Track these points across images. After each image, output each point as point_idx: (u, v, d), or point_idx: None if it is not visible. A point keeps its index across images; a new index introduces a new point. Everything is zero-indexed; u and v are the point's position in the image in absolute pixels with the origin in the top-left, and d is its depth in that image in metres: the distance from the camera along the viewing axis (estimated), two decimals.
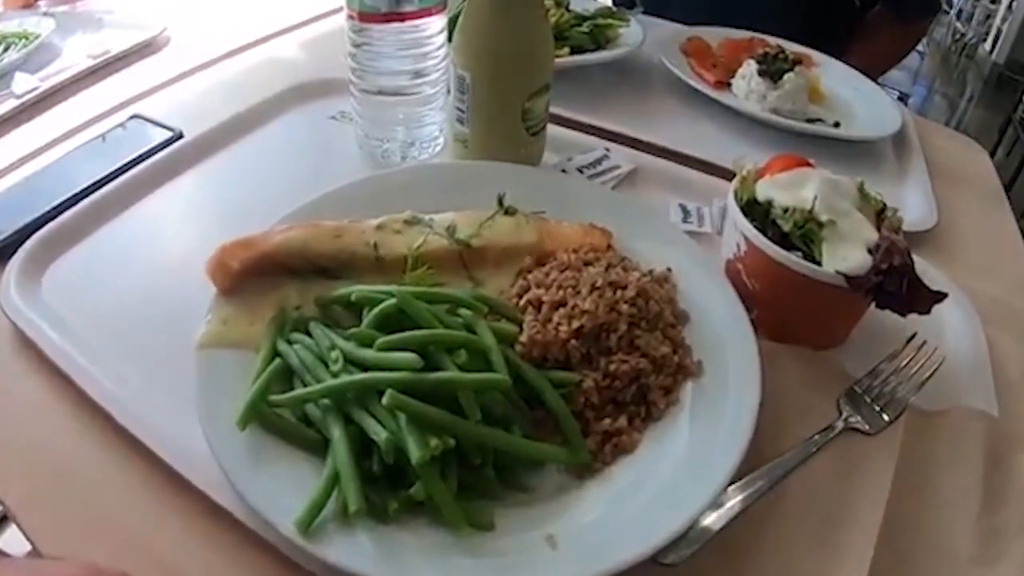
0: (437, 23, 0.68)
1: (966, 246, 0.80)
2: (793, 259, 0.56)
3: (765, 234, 0.58)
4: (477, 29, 0.65)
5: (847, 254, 0.56)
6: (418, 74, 0.69)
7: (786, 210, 0.59)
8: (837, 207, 0.59)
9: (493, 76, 0.66)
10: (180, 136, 0.78)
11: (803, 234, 0.58)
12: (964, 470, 0.53)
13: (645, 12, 1.23)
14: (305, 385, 0.49)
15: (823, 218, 0.57)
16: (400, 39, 0.66)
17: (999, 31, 3.90)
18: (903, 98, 2.91)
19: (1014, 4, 3.75)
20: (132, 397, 0.52)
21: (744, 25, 1.09)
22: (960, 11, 4.29)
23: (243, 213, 0.61)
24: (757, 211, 0.61)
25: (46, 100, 0.88)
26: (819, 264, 0.56)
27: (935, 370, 0.59)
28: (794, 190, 0.61)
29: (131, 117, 0.82)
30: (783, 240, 0.58)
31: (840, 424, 0.55)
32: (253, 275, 0.55)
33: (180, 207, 0.71)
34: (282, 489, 0.44)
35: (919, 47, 3.67)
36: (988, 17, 4.03)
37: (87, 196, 0.69)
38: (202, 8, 1.15)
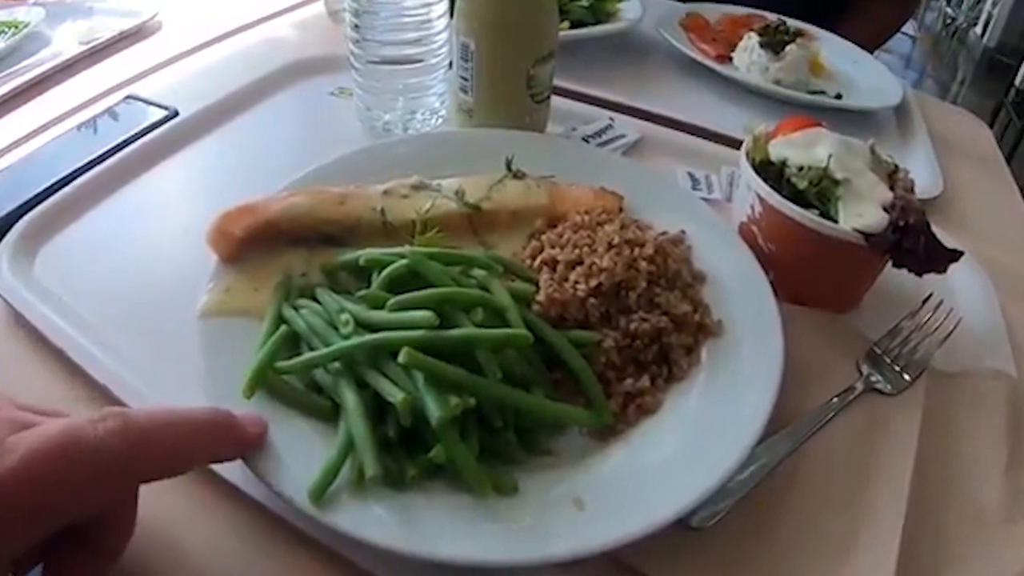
0: None
1: (972, 214, 0.80)
2: (810, 217, 0.55)
3: (780, 193, 0.57)
4: None
5: (863, 212, 0.55)
6: (420, 43, 0.67)
7: (801, 168, 0.58)
8: (851, 166, 0.58)
9: (498, 43, 0.64)
10: (175, 114, 0.76)
11: (819, 192, 0.57)
12: (987, 429, 0.52)
13: None
14: (313, 350, 0.46)
15: (838, 176, 0.57)
16: (402, 7, 0.65)
17: (990, 15, 3.93)
18: None
19: None
20: (131, 372, 0.50)
21: (743, 3, 1.08)
22: None
23: (241, 189, 0.59)
24: (770, 172, 0.60)
25: (37, 86, 0.86)
26: (835, 222, 0.55)
27: (953, 329, 0.58)
28: (808, 149, 0.60)
29: (125, 98, 0.80)
30: (798, 200, 0.57)
31: (861, 385, 0.54)
32: (256, 242, 0.53)
33: (177, 184, 0.69)
34: (291, 458, 0.42)
35: (910, 32, 3.70)
36: (978, 1, 4.06)
37: (82, 175, 0.67)
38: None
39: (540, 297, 0.48)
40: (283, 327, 0.48)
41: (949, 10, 4.34)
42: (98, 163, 0.68)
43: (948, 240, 0.68)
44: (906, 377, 0.55)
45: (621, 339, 0.47)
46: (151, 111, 0.77)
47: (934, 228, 0.70)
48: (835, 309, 0.60)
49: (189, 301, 0.51)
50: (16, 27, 0.95)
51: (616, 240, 0.50)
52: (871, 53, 1.07)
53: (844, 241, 0.54)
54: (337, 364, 0.45)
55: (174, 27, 1.01)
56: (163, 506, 0.43)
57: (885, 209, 0.55)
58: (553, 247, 0.52)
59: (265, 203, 0.54)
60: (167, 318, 0.51)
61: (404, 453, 0.43)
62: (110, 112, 0.77)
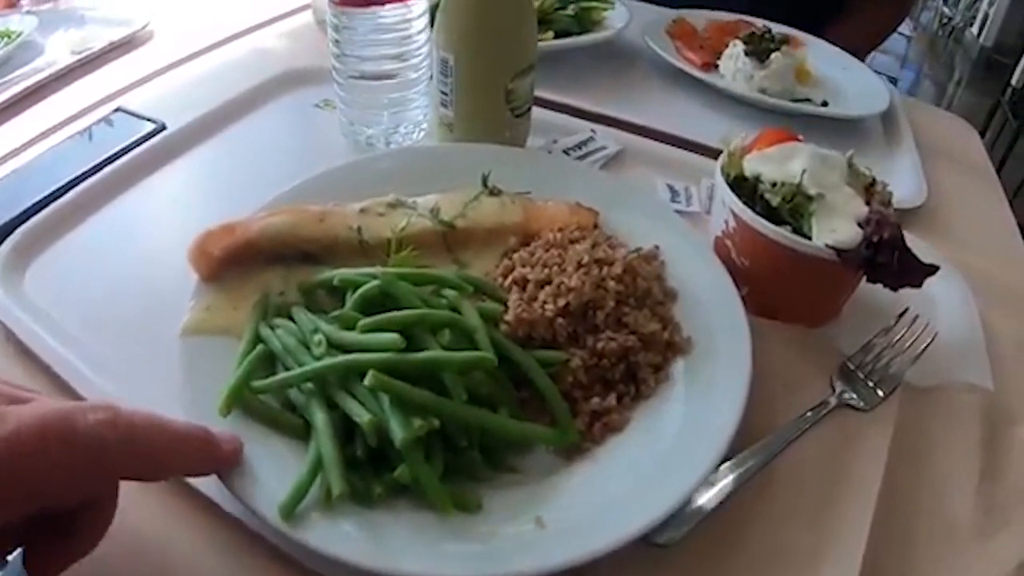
0: (418, 6, 0.67)
1: (956, 222, 0.80)
2: (782, 233, 0.55)
3: (753, 209, 0.58)
4: (459, 10, 0.64)
5: (837, 227, 0.56)
6: (400, 58, 0.68)
7: (774, 184, 0.58)
8: (826, 181, 0.58)
9: (476, 57, 0.65)
10: (163, 128, 0.77)
11: (792, 208, 0.58)
12: (960, 444, 0.53)
13: None
14: (288, 370, 0.48)
15: (812, 192, 0.57)
16: (381, 23, 0.66)
17: (986, 15, 3.92)
18: (891, 83, 2.92)
19: None
20: (117, 387, 0.51)
21: (732, 9, 1.08)
22: None
23: (227, 203, 0.60)
24: (745, 187, 0.60)
25: (29, 97, 0.87)
26: (808, 238, 0.55)
27: (928, 344, 0.58)
28: (782, 164, 0.60)
29: (115, 110, 0.81)
30: (771, 215, 0.58)
31: (834, 400, 0.54)
32: (235, 262, 0.54)
33: (163, 199, 0.70)
34: (265, 475, 0.43)
35: (906, 32, 3.69)
36: (975, 1, 4.04)
37: (71, 190, 0.68)
38: (184, 2, 1.14)
39: (508, 317, 0.49)
40: (259, 346, 0.49)
41: (946, 9, 4.34)
42: (86, 178, 0.69)
43: (930, 250, 0.69)
44: (879, 393, 0.55)
45: (588, 358, 0.48)
46: (139, 124, 0.78)
47: (915, 239, 0.70)
48: (810, 323, 0.61)
49: (174, 318, 0.52)
50: (9, 36, 0.96)
51: (585, 259, 0.51)
52: (867, 53, 1.07)
53: (817, 257, 0.54)
54: (309, 384, 0.46)
55: (165, 36, 1.02)
56: (143, 519, 0.44)
57: (860, 224, 0.55)
58: (524, 266, 0.53)
59: (244, 223, 0.55)
60: (153, 335, 0.52)
61: (372, 471, 0.44)
62: (99, 125, 0.78)
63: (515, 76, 0.66)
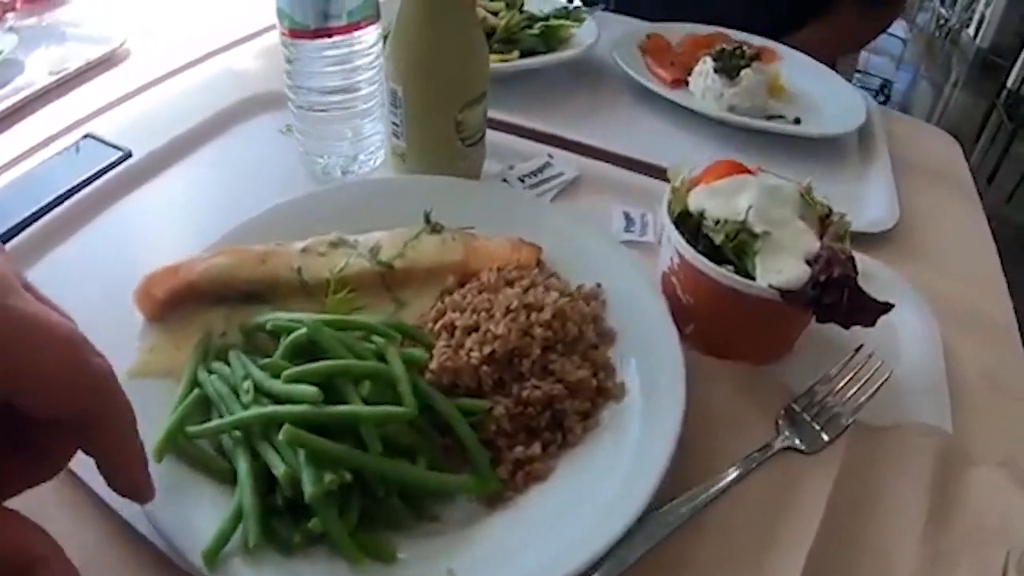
0: (368, 37, 0.67)
1: (930, 244, 0.79)
2: (724, 273, 0.55)
3: (696, 246, 0.57)
4: (406, 43, 0.64)
5: (782, 266, 0.55)
6: (349, 89, 0.68)
7: (717, 221, 0.57)
8: (775, 216, 0.57)
9: (423, 89, 0.65)
10: (128, 155, 0.78)
11: (735, 246, 0.57)
12: (909, 488, 0.52)
13: (615, 10, 1.21)
14: (221, 416, 0.49)
15: (757, 229, 0.56)
16: (330, 55, 0.66)
17: (983, 16, 3.89)
18: (886, 85, 2.91)
19: None
20: None
21: (712, 20, 1.07)
22: None
23: (187, 232, 0.61)
24: (690, 223, 0.59)
25: (5, 120, 0.88)
26: (752, 278, 0.54)
27: (880, 386, 0.57)
28: (729, 199, 0.59)
29: (84, 137, 0.81)
30: (716, 252, 0.57)
31: (778, 443, 0.54)
32: (179, 303, 0.55)
33: (127, 229, 0.71)
34: (197, 519, 0.44)
35: (900, 34, 3.66)
36: (972, 2, 4.01)
37: (35, 221, 0.68)
38: (162, 19, 1.15)
39: (432, 365, 0.49)
40: (195, 391, 0.50)
41: (943, 10, 4.30)
42: (53, 207, 0.70)
43: (897, 276, 0.69)
44: (824, 437, 0.54)
45: (513, 406, 0.48)
46: (106, 152, 0.78)
47: (881, 264, 0.70)
48: (759, 361, 0.60)
49: (129, 357, 0.52)
50: None
51: (514, 304, 0.51)
52: (849, 54, 1.04)
53: (760, 297, 0.53)
54: (237, 432, 0.47)
55: (142, 54, 1.02)
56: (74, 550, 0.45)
57: (809, 262, 0.54)
58: (455, 310, 0.53)
59: (187, 264, 0.56)
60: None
61: (292, 520, 0.44)
62: (66, 153, 0.79)
63: (464, 106, 0.66)
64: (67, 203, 0.71)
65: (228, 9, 1.19)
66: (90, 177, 0.75)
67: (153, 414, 0.49)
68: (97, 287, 0.63)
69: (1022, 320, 0.71)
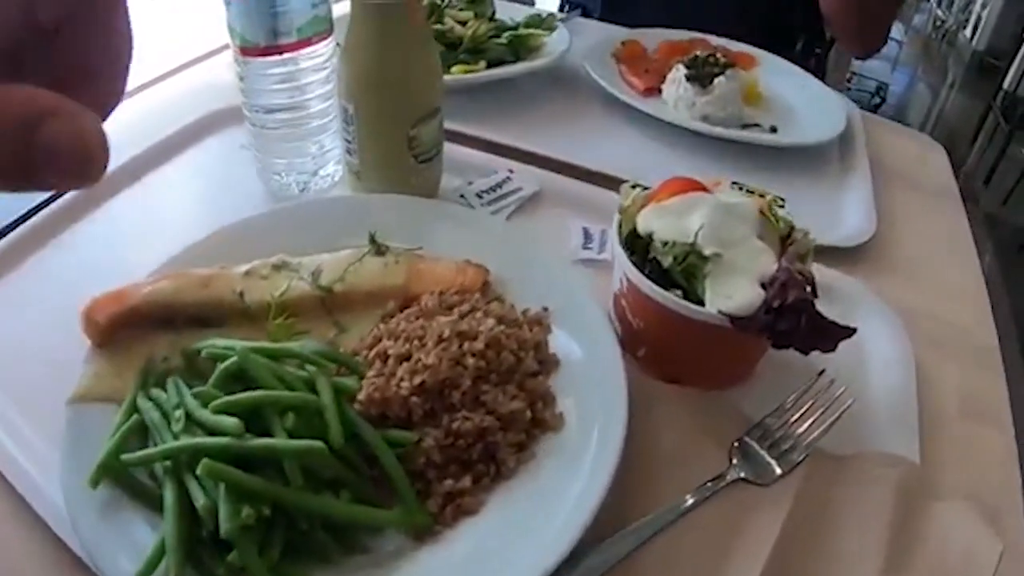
0: (320, 53, 0.66)
1: (909, 258, 0.77)
2: (670, 298, 0.53)
3: (644, 269, 0.56)
4: (355, 59, 0.63)
5: (733, 291, 0.53)
6: (301, 107, 0.68)
7: (666, 243, 0.56)
8: (729, 236, 0.55)
9: (374, 106, 0.64)
10: None
11: (684, 269, 0.55)
12: (868, 522, 0.49)
13: (601, 18, 1.19)
14: (156, 444, 0.48)
15: (707, 251, 0.54)
16: (279, 71, 0.65)
17: (979, 17, 3.87)
18: (882, 88, 2.88)
19: None
20: (23, 453, 0.52)
21: (684, 26, 1.05)
22: None
23: (144, 253, 0.60)
24: (640, 243, 0.58)
25: None
26: (702, 302, 0.53)
27: (839, 416, 0.55)
28: (680, 218, 0.57)
29: None
30: (666, 275, 0.56)
31: (730, 475, 0.52)
32: (123, 328, 0.55)
33: (84, 251, 0.71)
34: (130, 548, 0.44)
35: (897, 36, 3.63)
36: (968, 3, 3.98)
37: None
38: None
39: (361, 396, 0.48)
40: (134, 417, 0.50)
41: (939, 12, 4.27)
42: (9, 231, 0.70)
43: (871, 294, 0.67)
44: (778, 471, 0.52)
45: (443, 438, 0.47)
46: None
47: (854, 280, 0.69)
48: (716, 387, 0.58)
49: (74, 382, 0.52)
50: None
51: (447, 333, 0.50)
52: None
53: (710, 323, 0.52)
54: (168, 462, 0.47)
55: None
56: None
57: (764, 285, 0.53)
58: (389, 338, 0.52)
59: (132, 289, 0.56)
60: (56, 398, 0.52)
61: (216, 552, 0.44)
62: None
63: (417, 123, 0.65)
64: (23, 225, 0.71)
65: (186, 26, 1.18)
66: (47, 200, 0.74)
67: (93, 439, 0.49)
68: (54, 308, 0.62)
69: (1019, 324, 0.69)
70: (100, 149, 0.22)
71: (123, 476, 0.48)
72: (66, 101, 0.23)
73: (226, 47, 1.05)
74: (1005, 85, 3.23)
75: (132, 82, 0.86)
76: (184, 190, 0.78)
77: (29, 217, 0.71)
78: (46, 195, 0.74)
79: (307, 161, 0.72)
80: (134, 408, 0.51)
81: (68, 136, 0.22)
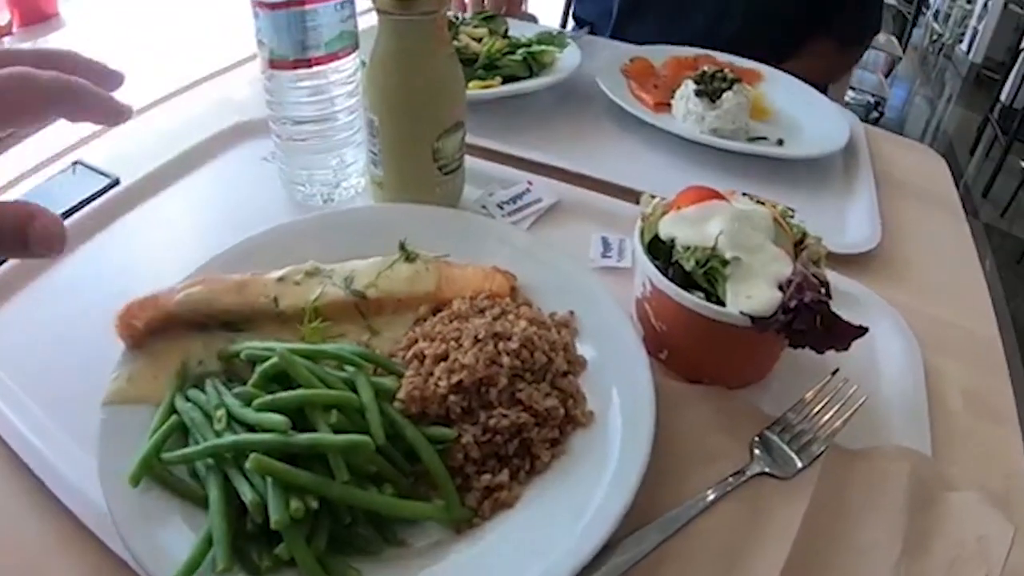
0: (346, 67, 0.69)
1: (913, 264, 0.79)
2: (693, 299, 0.55)
3: (667, 273, 0.58)
4: (382, 71, 0.65)
5: (753, 292, 0.55)
6: (328, 119, 0.70)
7: (687, 248, 0.58)
8: (746, 242, 0.57)
9: (399, 119, 0.66)
10: (116, 183, 0.79)
11: (706, 273, 0.57)
12: (885, 512, 0.51)
13: (611, 36, 1.23)
14: (196, 443, 0.49)
15: (727, 255, 0.56)
16: (308, 84, 0.67)
17: (975, 31, 3.95)
18: (879, 102, 2.93)
19: (989, 3, 3.78)
20: (54, 452, 0.53)
21: (688, 43, 1.08)
22: (937, 12, 4.35)
23: (173, 259, 0.62)
24: (661, 249, 0.60)
25: None
26: (723, 304, 0.55)
27: (854, 411, 0.57)
28: (700, 225, 0.59)
29: (74, 163, 0.83)
30: (688, 279, 0.58)
31: (752, 469, 0.53)
32: (158, 332, 0.56)
33: (114, 256, 0.72)
34: (173, 544, 0.45)
35: (895, 51, 3.70)
36: (964, 17, 4.07)
37: None
38: (151, 46, 1.17)
39: (401, 394, 0.50)
40: (172, 418, 0.51)
41: (936, 26, 4.36)
42: None
43: (878, 298, 0.69)
44: (798, 463, 0.54)
45: (480, 434, 0.49)
46: (95, 179, 0.80)
47: (862, 285, 0.71)
48: (735, 385, 0.60)
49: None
50: None
51: (482, 334, 0.52)
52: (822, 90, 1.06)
53: (730, 324, 0.54)
54: (209, 459, 0.48)
55: (128, 83, 1.04)
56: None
57: (781, 287, 0.55)
58: (425, 339, 0.54)
59: (166, 294, 0.57)
60: (90, 399, 0.53)
61: (262, 545, 0.45)
62: (58, 178, 0.81)
63: (440, 135, 0.67)
64: None
65: (213, 38, 1.21)
66: (80, 203, 0.76)
67: (129, 440, 0.50)
68: (84, 313, 0.64)
69: (1019, 331, 0.71)
70: (62, 233, 0.37)
71: (162, 474, 0.49)
72: (40, 208, 0.37)
73: (239, 64, 1.08)
74: (1002, 97, 3.29)
75: (152, 95, 0.88)
76: (209, 200, 0.80)
77: (69, 215, 0.73)
78: (73, 202, 0.76)
79: (330, 172, 0.74)
80: (172, 409, 0.52)
81: (43, 228, 0.36)
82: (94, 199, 0.77)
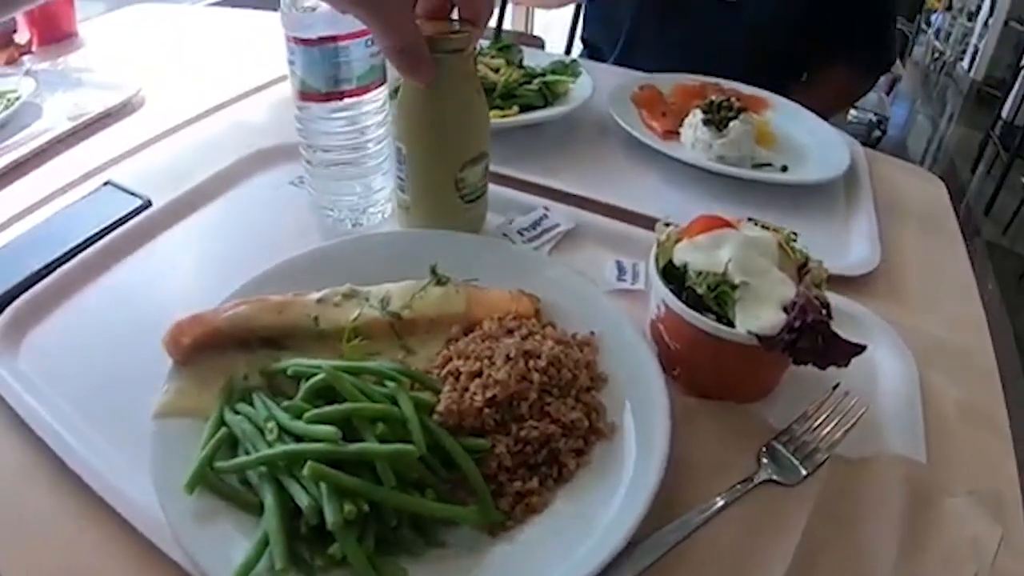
0: (376, 98, 0.73)
1: (911, 285, 0.83)
2: (705, 321, 0.59)
3: (681, 296, 0.62)
4: (410, 103, 0.69)
5: (760, 313, 0.59)
6: (358, 148, 0.73)
7: (699, 273, 0.62)
8: (753, 267, 0.61)
9: (425, 149, 0.70)
10: (148, 204, 0.83)
11: (716, 296, 0.61)
12: (884, 516, 0.55)
13: (615, 62, 1.28)
14: (247, 453, 0.53)
15: (736, 280, 0.60)
16: (340, 116, 0.71)
17: (976, 48, 3.99)
18: (882, 120, 2.97)
19: (990, 21, 3.81)
20: (105, 464, 0.56)
21: (697, 71, 1.13)
22: (938, 30, 4.39)
23: (205, 280, 0.66)
24: (675, 274, 0.64)
25: (25, 164, 0.93)
26: (733, 325, 0.59)
27: (855, 422, 0.61)
28: (711, 252, 0.63)
29: (105, 183, 0.86)
30: (700, 302, 0.62)
31: (759, 476, 0.57)
32: (205, 348, 0.60)
33: (147, 275, 0.76)
34: (228, 547, 0.49)
35: (896, 69, 3.75)
36: (965, 35, 4.11)
37: (62, 264, 0.73)
38: (175, 68, 1.21)
39: (440, 407, 0.54)
40: (222, 430, 0.55)
41: (937, 44, 4.41)
42: (79, 252, 0.75)
43: (876, 317, 0.73)
44: (803, 471, 0.58)
45: (513, 445, 0.53)
46: (126, 200, 0.83)
47: (860, 305, 0.75)
48: (743, 400, 0.64)
49: (154, 396, 0.57)
50: (9, 100, 1.02)
51: (514, 352, 0.56)
52: (835, 114, 1.10)
53: (739, 343, 0.58)
54: (263, 467, 0.52)
55: (156, 103, 1.07)
56: None
57: (785, 309, 0.59)
58: (459, 357, 0.58)
59: (213, 313, 0.61)
60: (135, 412, 0.56)
61: (316, 544, 0.49)
62: (89, 199, 0.84)
63: (464, 166, 0.71)
64: (91, 248, 0.76)
65: (237, 59, 1.24)
66: (113, 224, 0.80)
67: (179, 451, 0.54)
68: (118, 332, 0.68)
69: (1021, 347, 0.74)
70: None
71: (214, 482, 0.53)
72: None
73: (259, 88, 1.12)
74: (1003, 114, 3.34)
75: (174, 118, 0.90)
76: (238, 222, 0.83)
77: (95, 241, 0.77)
78: (108, 222, 0.79)
79: (360, 198, 0.77)
80: (221, 422, 0.56)
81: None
82: (127, 219, 0.80)
